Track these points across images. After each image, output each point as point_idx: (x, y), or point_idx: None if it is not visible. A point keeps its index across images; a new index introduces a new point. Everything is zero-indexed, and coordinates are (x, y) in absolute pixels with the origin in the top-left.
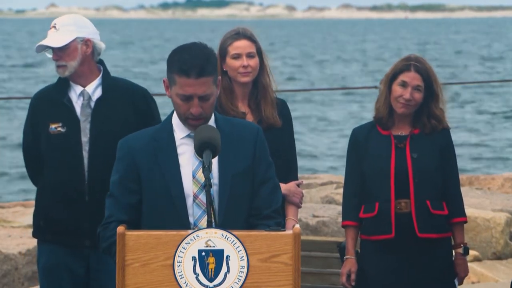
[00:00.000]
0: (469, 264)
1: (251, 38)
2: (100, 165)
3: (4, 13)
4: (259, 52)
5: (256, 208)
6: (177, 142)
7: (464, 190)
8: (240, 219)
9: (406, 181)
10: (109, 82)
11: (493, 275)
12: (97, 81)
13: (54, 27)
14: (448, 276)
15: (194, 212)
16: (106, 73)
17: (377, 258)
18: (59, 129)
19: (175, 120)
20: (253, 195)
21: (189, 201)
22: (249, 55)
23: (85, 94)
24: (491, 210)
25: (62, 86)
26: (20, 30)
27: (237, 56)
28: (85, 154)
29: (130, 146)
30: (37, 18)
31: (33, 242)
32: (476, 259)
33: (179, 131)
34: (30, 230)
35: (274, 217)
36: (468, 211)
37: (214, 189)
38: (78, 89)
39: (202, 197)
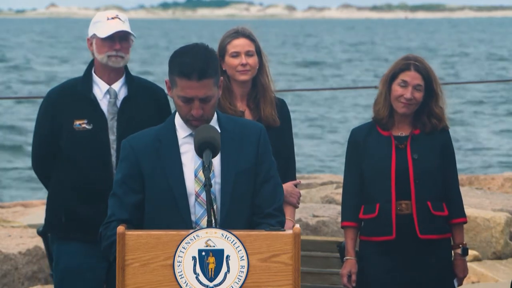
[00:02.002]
0: (469, 264)
1: (250, 37)
2: None
3: (4, 13)
4: (258, 52)
5: (258, 206)
6: (180, 141)
7: (464, 190)
8: (242, 217)
9: (407, 182)
10: (134, 82)
11: (493, 275)
12: (122, 79)
13: (118, 18)
14: (448, 276)
15: (196, 210)
16: (129, 73)
17: (377, 259)
18: (84, 125)
19: (178, 119)
20: (255, 193)
21: (191, 200)
22: (248, 54)
23: (111, 92)
24: (491, 210)
25: (87, 82)
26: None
27: (235, 55)
28: (113, 152)
29: (133, 146)
30: (37, 18)
31: (33, 242)
32: (476, 259)
33: (182, 130)
34: (30, 230)
35: (276, 215)
36: (468, 211)
37: (217, 188)
38: (103, 86)
39: (204, 196)
